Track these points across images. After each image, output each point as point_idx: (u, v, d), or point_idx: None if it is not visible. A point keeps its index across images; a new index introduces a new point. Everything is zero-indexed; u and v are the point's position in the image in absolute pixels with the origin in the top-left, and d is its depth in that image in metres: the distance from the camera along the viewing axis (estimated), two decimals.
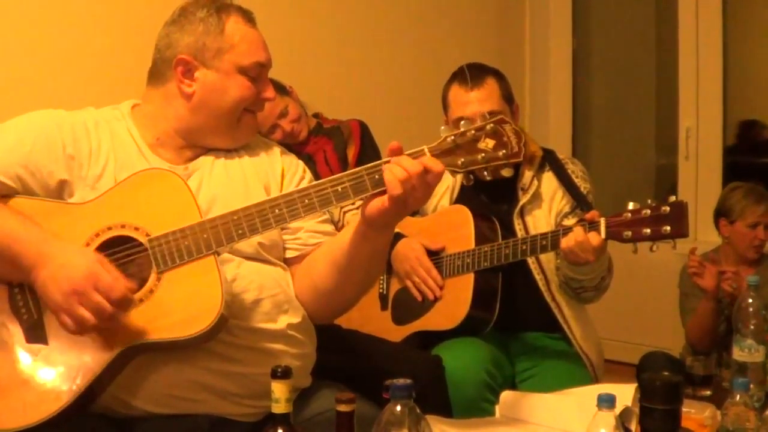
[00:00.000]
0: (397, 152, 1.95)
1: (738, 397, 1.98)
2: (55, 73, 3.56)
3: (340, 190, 1.98)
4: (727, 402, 1.99)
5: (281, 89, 3.93)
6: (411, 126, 4.49)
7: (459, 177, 3.15)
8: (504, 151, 2.01)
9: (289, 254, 2.25)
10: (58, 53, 3.59)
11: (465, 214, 3.06)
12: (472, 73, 3.06)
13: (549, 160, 3.14)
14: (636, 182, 5.90)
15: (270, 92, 2.24)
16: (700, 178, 5.22)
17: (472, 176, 2.03)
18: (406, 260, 3.10)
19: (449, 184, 3.19)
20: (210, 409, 2.00)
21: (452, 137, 2.00)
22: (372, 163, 1.98)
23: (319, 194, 1.99)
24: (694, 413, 2.18)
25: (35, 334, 1.92)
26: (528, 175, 3.08)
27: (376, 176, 1.96)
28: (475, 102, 3.01)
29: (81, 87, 3.50)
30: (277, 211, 1.99)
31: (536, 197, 3.08)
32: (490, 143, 2.01)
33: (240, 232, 1.98)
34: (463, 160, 2.00)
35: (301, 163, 2.38)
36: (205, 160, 2.21)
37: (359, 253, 2.09)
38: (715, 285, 3.68)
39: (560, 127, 5.86)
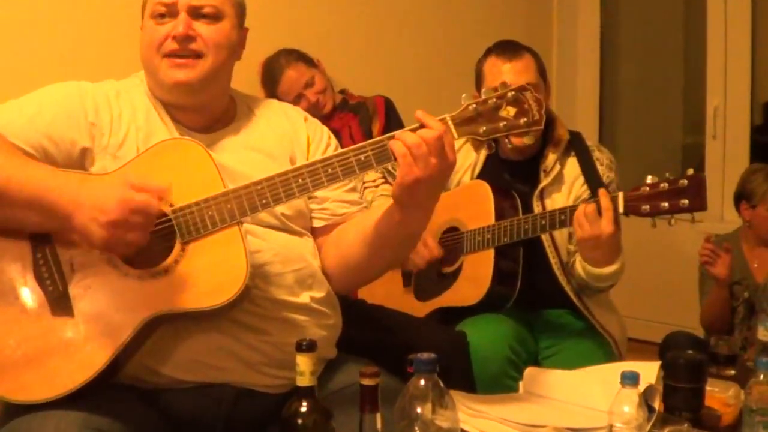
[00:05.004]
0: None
1: (762, 376, 1.99)
2: (74, 46, 3.58)
3: (363, 158, 1.98)
4: (751, 381, 2.00)
5: (309, 61, 3.97)
6: (437, 103, 4.46)
7: (482, 153, 3.15)
8: (525, 118, 2.00)
9: (316, 224, 2.25)
10: (76, 25, 3.61)
11: (485, 189, 3.05)
12: (509, 46, 3.05)
13: (575, 144, 3.11)
14: (663, 161, 5.86)
15: (175, 28, 2.09)
16: (727, 157, 5.18)
17: (494, 144, 2.03)
18: None
19: (471, 160, 3.18)
20: (236, 377, 2.01)
21: (474, 105, 2.00)
22: (394, 132, 1.98)
23: (342, 163, 1.98)
24: (718, 392, 2.19)
25: (61, 305, 1.91)
26: (552, 157, 3.06)
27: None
28: (512, 72, 2.96)
29: (101, 59, 3.51)
30: (300, 180, 1.98)
31: (558, 180, 3.06)
32: (511, 111, 2.00)
33: (264, 201, 1.98)
34: (485, 128, 2.00)
35: (326, 129, 2.37)
36: (227, 133, 2.20)
37: (392, 235, 2.10)
38: (727, 274, 3.69)
39: (587, 105, 5.83)
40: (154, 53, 2.10)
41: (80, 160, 2.04)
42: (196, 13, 2.11)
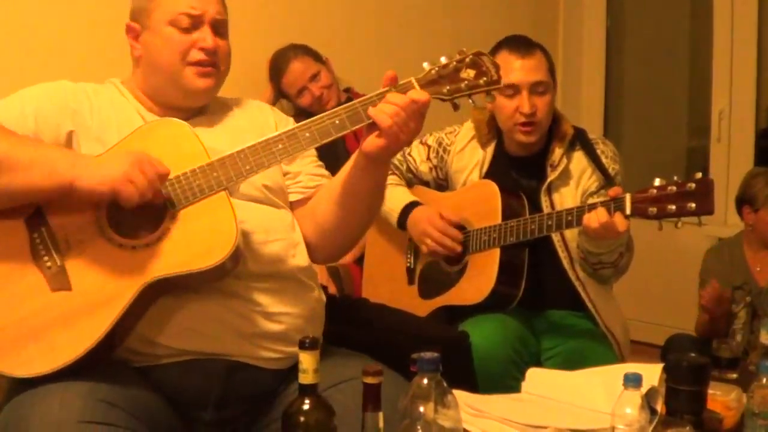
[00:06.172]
0: (393, 80, 2.11)
1: (765, 380, 1.99)
2: (57, 51, 3.62)
3: (337, 122, 2.10)
4: (753, 385, 1.99)
5: (317, 56, 4.00)
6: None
7: (489, 151, 3.18)
8: (485, 78, 2.17)
9: (292, 198, 2.36)
10: (60, 28, 3.65)
11: (492, 188, 3.05)
12: (522, 42, 3.05)
13: (580, 139, 3.12)
14: (667, 164, 5.85)
15: (204, 41, 2.21)
16: (732, 160, 5.18)
17: (458, 103, 2.17)
18: (419, 223, 3.12)
19: (479, 158, 3.19)
20: (230, 348, 2.07)
21: (436, 69, 2.16)
22: (366, 96, 2.12)
23: (318, 127, 2.10)
24: (720, 395, 2.19)
25: (59, 280, 1.96)
26: (558, 152, 3.07)
27: (370, 108, 2.09)
28: (524, 69, 2.98)
29: (84, 63, 3.54)
30: (280, 145, 2.09)
31: (565, 175, 3.07)
32: (471, 73, 2.17)
33: (248, 167, 2.07)
34: (448, 88, 2.15)
35: (290, 118, 2.48)
36: (202, 121, 2.28)
37: (360, 187, 2.22)
38: (712, 306, 3.71)
39: (592, 107, 5.83)
40: (177, 61, 2.21)
41: (66, 144, 2.12)
42: (216, 27, 2.24)
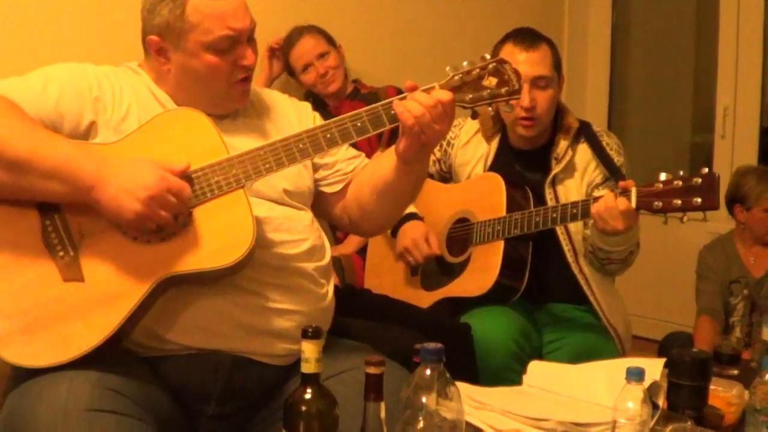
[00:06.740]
0: (412, 90, 2.11)
1: (766, 376, 1.98)
2: (74, 34, 3.58)
3: (359, 124, 2.12)
4: (755, 381, 1.99)
5: (330, 39, 4.00)
6: None
7: (493, 145, 3.17)
8: (506, 87, 2.16)
9: (335, 188, 2.39)
10: (76, 13, 3.61)
11: (497, 181, 3.05)
12: (527, 35, 3.05)
13: (585, 131, 3.11)
14: (671, 159, 5.85)
15: (247, 59, 2.19)
16: (736, 157, 5.16)
17: (479, 112, 2.18)
18: (404, 238, 3.13)
19: (483, 151, 3.19)
20: (237, 345, 2.06)
21: (459, 75, 2.16)
22: (388, 99, 2.13)
23: (339, 129, 2.11)
24: (722, 391, 2.19)
25: (72, 271, 1.95)
26: (563, 145, 3.06)
27: (392, 111, 2.10)
28: (527, 63, 2.97)
29: (101, 47, 3.51)
30: (301, 145, 2.10)
31: (569, 167, 3.06)
32: (493, 81, 2.16)
33: (267, 166, 2.07)
34: (471, 96, 2.16)
35: (308, 104, 2.48)
36: (224, 117, 2.25)
37: (401, 184, 2.25)
38: None
39: (597, 101, 5.81)
40: (222, 85, 2.19)
41: (85, 133, 2.10)
42: (250, 38, 2.22)
